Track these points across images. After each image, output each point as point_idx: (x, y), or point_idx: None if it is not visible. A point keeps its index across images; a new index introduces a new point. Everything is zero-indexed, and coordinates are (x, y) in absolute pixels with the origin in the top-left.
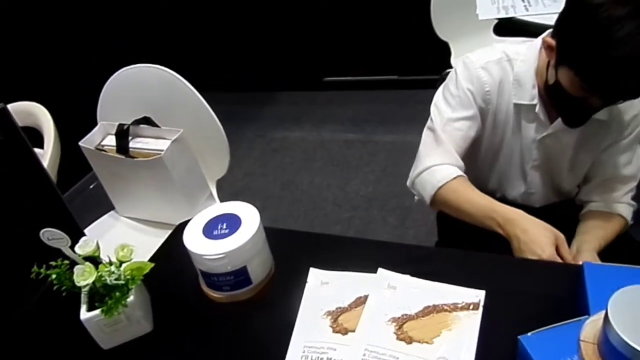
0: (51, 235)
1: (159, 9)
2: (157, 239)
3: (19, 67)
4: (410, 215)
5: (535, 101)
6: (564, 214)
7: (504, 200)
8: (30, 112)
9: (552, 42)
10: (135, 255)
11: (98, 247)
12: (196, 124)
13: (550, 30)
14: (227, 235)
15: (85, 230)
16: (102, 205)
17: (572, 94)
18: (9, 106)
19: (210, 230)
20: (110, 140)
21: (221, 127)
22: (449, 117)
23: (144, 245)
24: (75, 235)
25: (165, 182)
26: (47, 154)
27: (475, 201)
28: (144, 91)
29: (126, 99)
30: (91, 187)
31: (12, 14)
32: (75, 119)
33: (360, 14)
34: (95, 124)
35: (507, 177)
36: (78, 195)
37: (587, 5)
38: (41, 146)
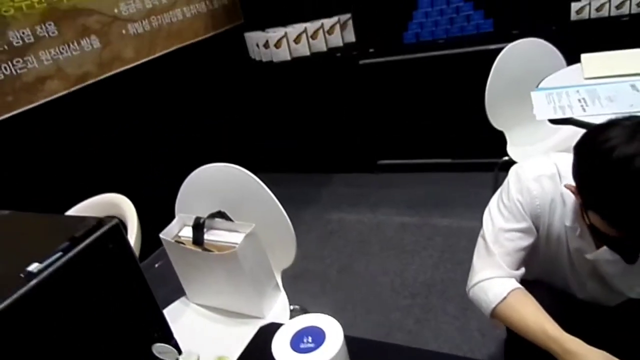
0: (162, 349)
1: (227, 106)
2: (226, 327)
3: (107, 162)
4: (471, 305)
5: (577, 225)
6: None
7: (574, 298)
8: (116, 203)
9: (573, 188)
10: (208, 343)
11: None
12: (266, 217)
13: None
14: (313, 349)
15: None
16: (167, 284)
17: (608, 234)
18: (97, 197)
19: (297, 343)
20: (187, 232)
21: (289, 221)
22: (500, 227)
23: (213, 332)
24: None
25: (236, 274)
26: (130, 243)
27: (531, 327)
28: (219, 187)
29: (203, 194)
30: (157, 265)
31: (104, 112)
32: (155, 211)
33: (413, 99)
34: (172, 215)
35: (569, 284)
36: (146, 272)
37: (600, 151)
38: None
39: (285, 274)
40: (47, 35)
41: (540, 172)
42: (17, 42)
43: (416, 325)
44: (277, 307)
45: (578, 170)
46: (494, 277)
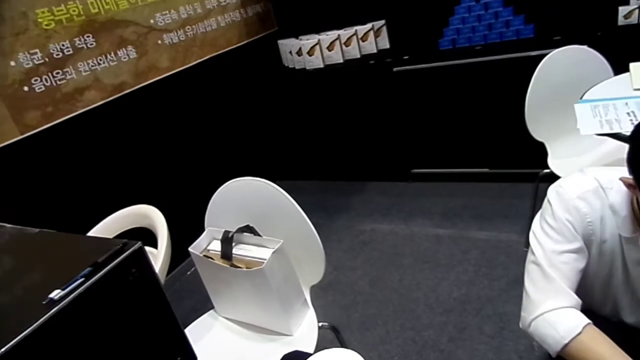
0: None
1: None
2: (253, 343)
3: (140, 172)
4: (509, 325)
5: (637, 235)
6: None
7: (621, 324)
8: (147, 214)
9: (631, 180)
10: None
11: None
12: (295, 233)
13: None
14: None
15: (188, 329)
16: (197, 291)
17: None
18: (129, 208)
19: None
20: (216, 245)
21: (318, 237)
22: (552, 249)
23: (240, 348)
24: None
25: (264, 290)
26: (160, 254)
27: None
28: (248, 201)
29: (232, 208)
30: (188, 273)
31: (139, 122)
32: (185, 222)
33: (448, 107)
34: (203, 227)
35: (621, 305)
36: (176, 281)
37: None
38: (154, 245)
39: (315, 286)
40: (85, 46)
41: (583, 189)
42: (57, 54)
43: (450, 345)
44: (305, 324)
45: (634, 157)
46: (560, 307)
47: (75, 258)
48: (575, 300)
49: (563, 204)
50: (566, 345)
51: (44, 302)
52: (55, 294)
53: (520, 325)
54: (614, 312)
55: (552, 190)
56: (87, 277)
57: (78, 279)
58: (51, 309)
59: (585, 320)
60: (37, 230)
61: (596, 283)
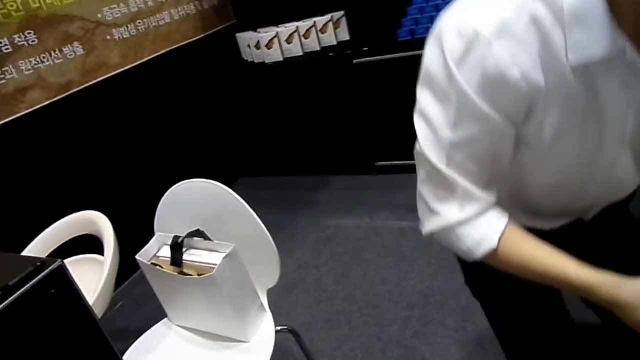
0: None
1: (212, 112)
2: (209, 351)
3: (85, 179)
4: (472, 317)
5: (620, 46)
6: None
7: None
8: (93, 220)
9: None
10: None
11: None
12: (247, 236)
13: None
14: None
15: (141, 339)
16: (151, 301)
17: None
18: (74, 215)
19: None
20: (166, 251)
21: (271, 239)
22: (450, 140)
23: (195, 358)
24: None
25: (216, 297)
26: (107, 261)
27: (550, 272)
28: (197, 204)
29: (182, 212)
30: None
31: (87, 123)
32: (136, 228)
33: (410, 97)
34: (153, 232)
35: (619, 168)
36: (135, 286)
37: None
38: (101, 253)
39: (278, 285)
40: (26, 44)
41: (499, 18)
42: None
43: (413, 340)
44: (262, 329)
45: None
46: (466, 219)
47: None
48: (488, 199)
49: (476, 61)
50: (481, 257)
51: None
52: None
53: (424, 232)
54: (596, 199)
55: (448, 30)
56: None
57: None
58: None
59: (501, 224)
60: None
61: (569, 163)
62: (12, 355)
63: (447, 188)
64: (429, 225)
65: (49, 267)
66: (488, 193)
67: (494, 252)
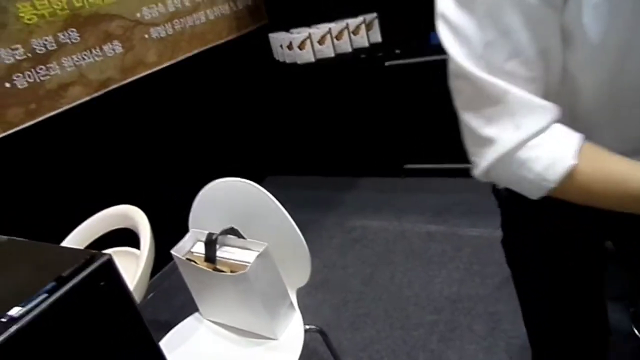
0: None
1: (248, 111)
2: (237, 347)
3: (120, 174)
4: (500, 324)
5: None
6: None
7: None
8: (129, 215)
9: None
10: None
11: None
12: (280, 234)
13: None
14: None
15: (171, 332)
16: (187, 289)
17: None
18: (111, 209)
19: None
20: (200, 247)
21: (303, 239)
22: (481, 38)
23: (224, 352)
24: None
25: (248, 294)
26: (143, 255)
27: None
28: (232, 202)
29: (216, 209)
30: (178, 270)
31: (125, 118)
32: (169, 223)
33: (441, 101)
34: (187, 228)
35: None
36: (165, 279)
37: None
38: (133, 246)
39: (305, 285)
40: (69, 41)
41: None
42: (40, 50)
43: (440, 344)
44: (291, 327)
45: None
46: (530, 135)
47: (40, 271)
48: (550, 110)
49: None
50: (555, 188)
51: (2, 320)
52: (16, 311)
53: (475, 174)
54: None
55: None
56: (51, 292)
57: (41, 295)
58: (10, 328)
59: (574, 139)
60: (7, 238)
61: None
62: (63, 342)
63: (495, 103)
64: (483, 160)
65: (99, 259)
66: (547, 102)
67: (573, 173)
